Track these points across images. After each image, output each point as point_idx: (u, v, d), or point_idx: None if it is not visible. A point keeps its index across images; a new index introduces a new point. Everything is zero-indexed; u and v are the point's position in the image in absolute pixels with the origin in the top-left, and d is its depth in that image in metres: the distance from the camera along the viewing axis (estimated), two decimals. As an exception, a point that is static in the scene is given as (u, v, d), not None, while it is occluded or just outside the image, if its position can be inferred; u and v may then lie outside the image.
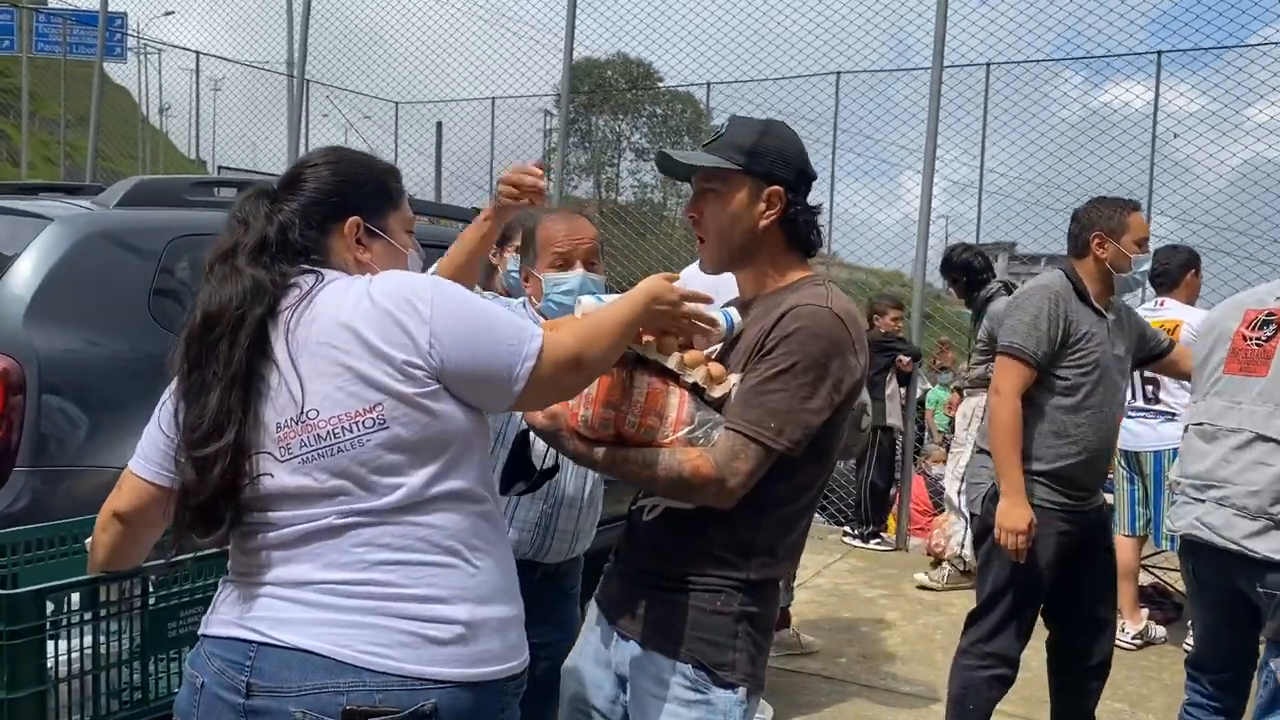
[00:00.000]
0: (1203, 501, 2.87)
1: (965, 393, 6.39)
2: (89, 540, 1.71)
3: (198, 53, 18.36)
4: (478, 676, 1.50)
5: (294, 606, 1.48)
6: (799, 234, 1.88)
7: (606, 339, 1.62)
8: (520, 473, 2.04)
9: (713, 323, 1.79)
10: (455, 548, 1.52)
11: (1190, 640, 3.40)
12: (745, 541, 1.77)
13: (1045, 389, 3.10)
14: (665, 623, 1.78)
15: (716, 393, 1.75)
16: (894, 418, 7.22)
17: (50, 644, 1.71)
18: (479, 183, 15.29)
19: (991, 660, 3.19)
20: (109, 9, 13.17)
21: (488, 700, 1.52)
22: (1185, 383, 3.87)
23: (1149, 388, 5.03)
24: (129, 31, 19.34)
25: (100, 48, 12.36)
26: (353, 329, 1.48)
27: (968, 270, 5.87)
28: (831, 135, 13.02)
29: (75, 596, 1.75)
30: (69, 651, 1.75)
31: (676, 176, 1.96)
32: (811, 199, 1.90)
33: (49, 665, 1.71)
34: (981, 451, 3.29)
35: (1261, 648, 2.83)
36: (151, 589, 1.86)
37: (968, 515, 4.44)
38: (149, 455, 1.60)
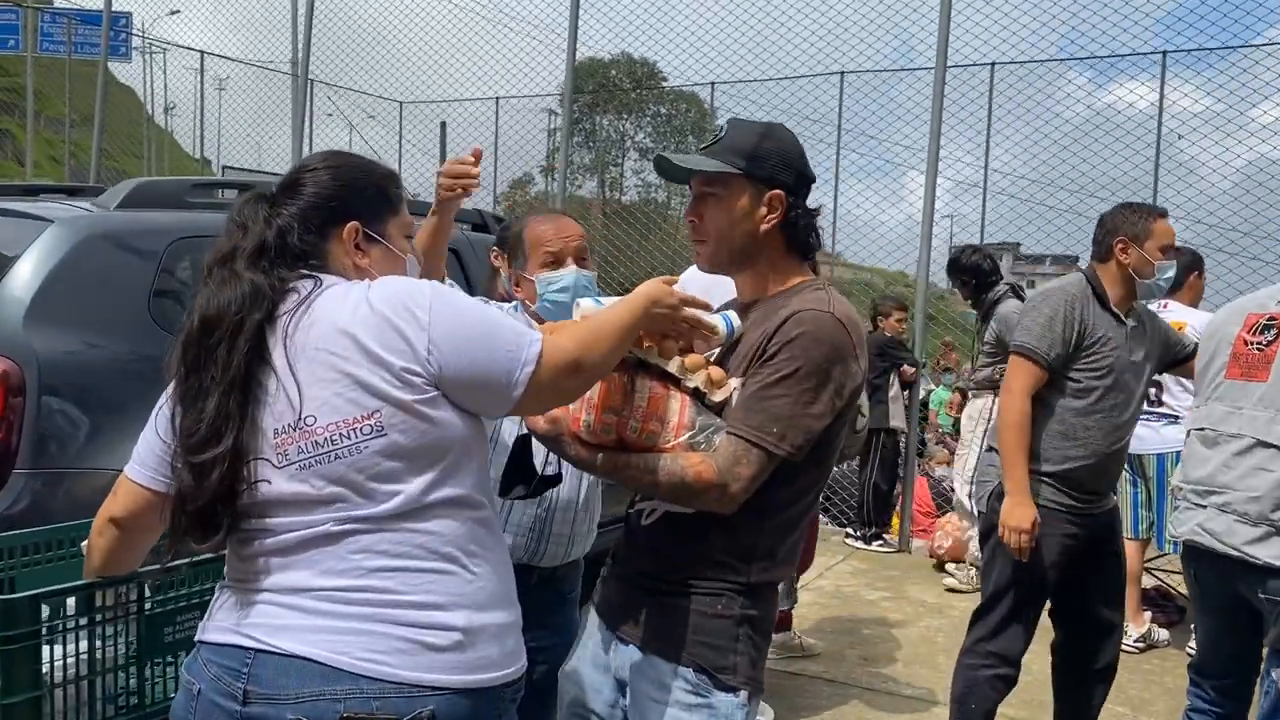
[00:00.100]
0: (1204, 507, 2.86)
1: (971, 394, 6.39)
2: (85, 544, 1.70)
3: (202, 52, 18.39)
4: (475, 683, 1.50)
5: (291, 613, 1.47)
6: (799, 237, 1.87)
7: (606, 343, 1.61)
8: (520, 476, 2.04)
9: (713, 327, 1.78)
10: (453, 554, 1.51)
11: (1193, 644, 3.39)
12: (746, 546, 1.77)
13: (1057, 390, 3.11)
14: (666, 626, 1.78)
15: (717, 397, 1.74)
16: (897, 420, 7.22)
17: (46, 649, 1.71)
18: (482, 182, 15.28)
19: (994, 660, 3.19)
20: (114, 9, 13.19)
21: (485, 707, 1.52)
22: (1188, 384, 3.86)
23: (1152, 390, 5.02)
24: (134, 31, 19.39)
25: (104, 47, 12.38)
26: (351, 335, 1.47)
27: (977, 273, 5.87)
28: (835, 135, 13.01)
29: (71, 601, 1.74)
30: (65, 656, 1.74)
31: (676, 180, 1.95)
32: (815, 199, 1.90)
33: (44, 670, 1.71)
34: (991, 450, 3.31)
35: (1265, 653, 2.82)
36: (148, 594, 1.86)
37: (976, 513, 4.45)
38: (145, 460, 1.59)
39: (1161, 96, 10.81)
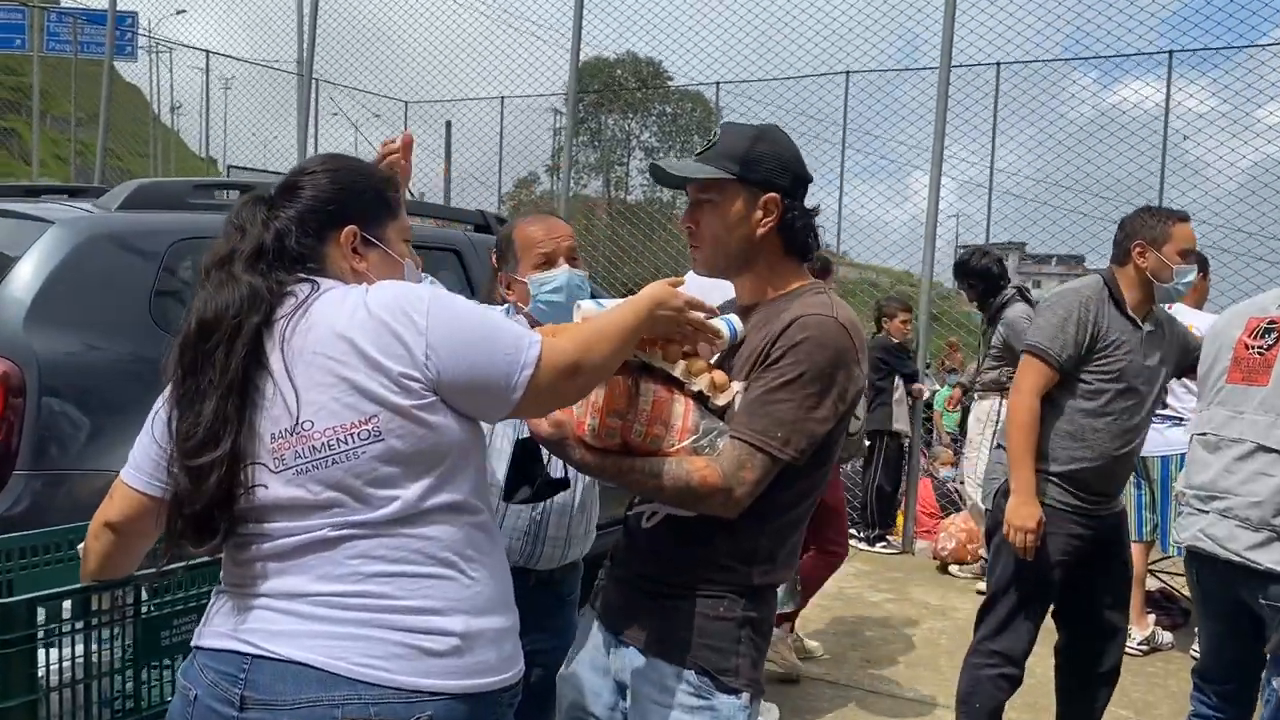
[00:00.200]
0: (1206, 513, 2.85)
1: (977, 396, 6.39)
2: (82, 546, 1.70)
3: (208, 52, 18.48)
4: (473, 688, 1.49)
5: (288, 618, 1.47)
6: (796, 239, 1.86)
7: (608, 344, 1.61)
8: (524, 480, 2.03)
9: (718, 330, 1.78)
10: (450, 559, 1.51)
11: (1197, 647, 3.38)
12: (748, 549, 1.77)
13: (1068, 391, 3.11)
14: (668, 629, 1.78)
15: (720, 401, 1.75)
16: (900, 423, 7.21)
17: (42, 652, 1.70)
18: (488, 182, 15.31)
19: (997, 659, 3.19)
20: (119, 8, 13.20)
21: (483, 711, 1.52)
22: (1192, 386, 3.85)
23: (1156, 392, 5.01)
24: (140, 31, 19.42)
25: (109, 47, 12.38)
26: (349, 339, 1.47)
27: (986, 277, 5.87)
28: (841, 134, 13.01)
29: (67, 604, 1.74)
30: (61, 660, 1.74)
31: (672, 187, 1.94)
32: (819, 199, 1.89)
33: (40, 674, 1.70)
34: (1000, 448, 3.31)
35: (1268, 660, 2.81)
36: (144, 597, 1.85)
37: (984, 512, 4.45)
38: (141, 465, 1.59)
39: (1168, 97, 10.80)
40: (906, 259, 13.11)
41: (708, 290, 1.92)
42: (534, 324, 2.26)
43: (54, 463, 2.68)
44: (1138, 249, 3.14)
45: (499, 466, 2.33)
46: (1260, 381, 2.78)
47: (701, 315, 1.74)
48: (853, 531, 7.40)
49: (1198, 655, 3.22)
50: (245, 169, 15.23)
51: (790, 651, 4.55)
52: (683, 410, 1.71)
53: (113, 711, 1.83)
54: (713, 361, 1.82)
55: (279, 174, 1.74)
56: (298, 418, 1.46)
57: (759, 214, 1.82)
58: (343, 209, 1.64)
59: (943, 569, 6.59)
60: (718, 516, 1.72)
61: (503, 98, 14.72)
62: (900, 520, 7.42)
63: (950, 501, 7.72)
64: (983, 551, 6.09)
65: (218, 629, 1.52)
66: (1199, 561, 2.92)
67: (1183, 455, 3.82)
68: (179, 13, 22.97)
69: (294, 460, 1.46)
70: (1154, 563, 5.63)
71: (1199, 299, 5.11)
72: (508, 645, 1.57)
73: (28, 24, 20.06)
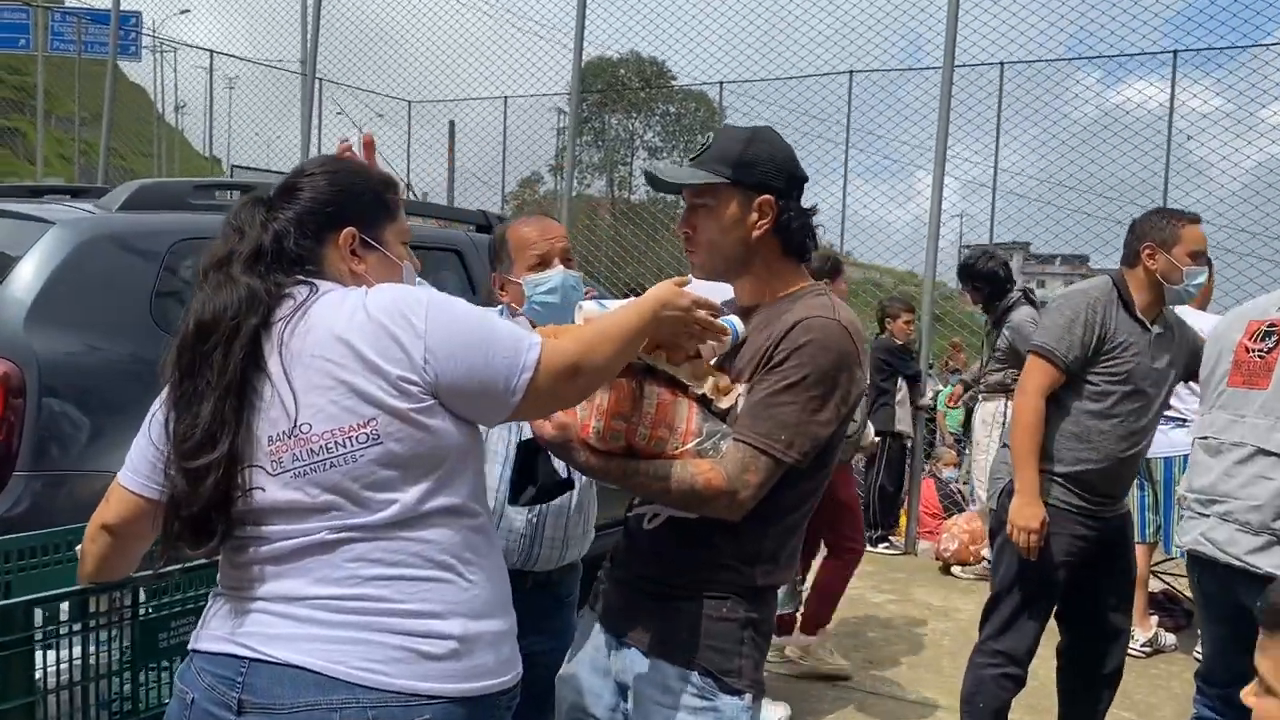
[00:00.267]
0: (1207, 516, 2.84)
1: (982, 398, 6.38)
2: (79, 548, 1.70)
3: (212, 51, 18.49)
4: (471, 691, 1.49)
5: (286, 622, 1.46)
6: (793, 240, 1.86)
7: (610, 346, 1.60)
8: (528, 481, 2.02)
9: (724, 330, 1.77)
10: (448, 562, 1.51)
11: (1200, 649, 3.37)
12: (750, 550, 1.77)
13: (1074, 392, 3.10)
14: (670, 630, 1.78)
15: (723, 404, 1.75)
16: (903, 424, 7.20)
17: (39, 654, 1.70)
18: (491, 182, 15.32)
19: (1001, 658, 3.19)
20: (123, 8, 13.21)
21: (481, 714, 1.52)
22: (1195, 388, 3.84)
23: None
24: (144, 30, 19.45)
25: (113, 46, 12.38)
26: (347, 342, 1.46)
27: (993, 280, 5.87)
28: (844, 134, 13.00)
29: (65, 606, 1.74)
30: (59, 662, 1.74)
31: (668, 192, 1.94)
32: (823, 199, 1.90)
33: (38, 676, 1.70)
34: (1006, 447, 3.31)
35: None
36: (142, 599, 1.85)
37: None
38: (137, 467, 1.59)
39: (1172, 96, 10.79)
40: (910, 259, 13.12)
41: (707, 292, 1.92)
42: (531, 325, 2.25)
43: (54, 463, 2.68)
44: (1147, 251, 3.12)
45: (495, 469, 2.33)
46: (1261, 385, 2.77)
47: (708, 314, 1.74)
48: (857, 532, 7.41)
49: (1200, 657, 3.21)
50: (249, 168, 15.27)
51: (831, 654, 4.55)
52: (687, 413, 1.71)
53: (111, 713, 1.83)
54: (714, 363, 1.81)
55: (282, 174, 1.73)
56: (296, 420, 1.46)
57: (754, 216, 1.82)
58: (341, 211, 1.63)
59: (945, 570, 6.58)
60: (722, 519, 1.71)
61: (506, 97, 14.75)
62: (903, 521, 7.41)
63: (953, 502, 7.71)
64: (985, 552, 6.09)
65: (215, 632, 1.52)
66: (1200, 565, 2.91)
67: (1186, 457, 3.82)
68: (183, 12, 23.04)
69: (292, 463, 1.46)
70: (1157, 564, 5.61)
71: (1203, 300, 5.09)
72: (506, 648, 1.56)
73: (32, 24, 20.12)
